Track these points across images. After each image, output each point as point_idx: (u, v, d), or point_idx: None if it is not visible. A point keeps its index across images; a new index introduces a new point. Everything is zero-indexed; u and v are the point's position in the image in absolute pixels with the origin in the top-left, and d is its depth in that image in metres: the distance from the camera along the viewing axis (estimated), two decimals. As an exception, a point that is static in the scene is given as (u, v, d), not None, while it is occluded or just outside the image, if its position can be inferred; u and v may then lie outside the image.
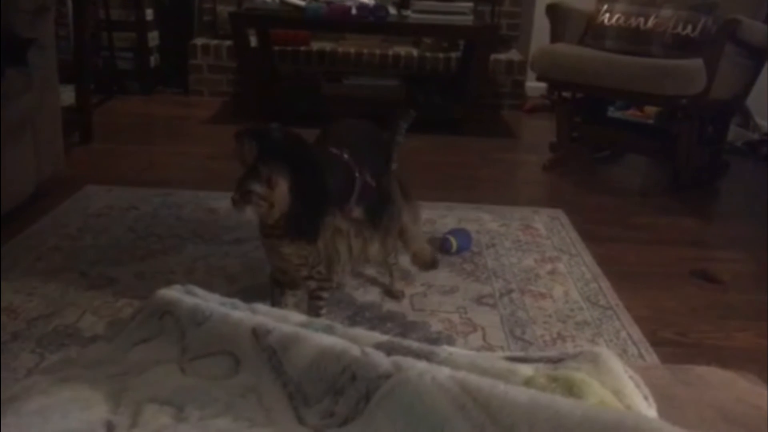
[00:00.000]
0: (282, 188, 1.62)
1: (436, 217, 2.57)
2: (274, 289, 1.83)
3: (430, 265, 2.07)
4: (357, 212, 1.92)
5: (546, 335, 1.86)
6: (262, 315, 0.81)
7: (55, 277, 2.02)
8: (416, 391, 0.65)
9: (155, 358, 0.79)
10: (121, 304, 1.89)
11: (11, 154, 2.37)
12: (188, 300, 0.83)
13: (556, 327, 1.90)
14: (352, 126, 2.18)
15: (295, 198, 1.63)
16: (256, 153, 1.71)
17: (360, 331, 0.77)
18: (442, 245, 2.29)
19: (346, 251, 1.79)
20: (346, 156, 1.93)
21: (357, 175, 1.93)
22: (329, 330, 0.77)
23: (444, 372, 0.66)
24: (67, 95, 3.25)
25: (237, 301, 0.86)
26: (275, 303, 1.82)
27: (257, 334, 0.77)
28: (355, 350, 0.71)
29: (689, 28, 3.07)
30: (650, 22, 3.17)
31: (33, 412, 0.70)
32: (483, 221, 2.62)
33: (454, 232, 2.36)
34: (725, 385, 0.87)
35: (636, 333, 1.88)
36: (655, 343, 1.84)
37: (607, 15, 3.31)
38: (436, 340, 1.79)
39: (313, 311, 1.76)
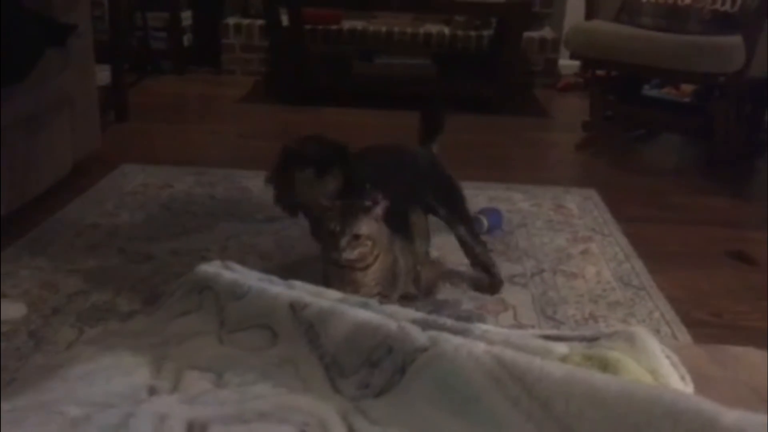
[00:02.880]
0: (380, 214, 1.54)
1: (467, 197, 2.56)
2: None
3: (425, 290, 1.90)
4: None
5: (578, 315, 1.85)
6: (299, 290, 0.83)
7: (93, 253, 2.07)
8: (452, 364, 0.66)
9: (195, 329, 0.81)
10: (157, 280, 1.92)
11: (50, 133, 2.42)
12: (227, 275, 0.85)
13: (588, 307, 1.89)
14: (386, 155, 1.97)
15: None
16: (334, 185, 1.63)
17: (395, 308, 0.78)
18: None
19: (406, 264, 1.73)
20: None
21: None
22: (365, 306, 0.78)
23: (480, 346, 0.66)
24: (103, 75, 3.29)
25: (274, 278, 0.88)
26: None
27: (294, 308, 0.78)
28: (391, 324, 0.72)
29: (728, 3, 3.00)
30: (688, -2, 3.11)
31: (78, 377, 0.73)
32: (514, 200, 2.61)
33: (485, 211, 2.35)
34: (761, 366, 0.86)
35: (669, 313, 1.87)
36: (689, 323, 1.82)
37: (644, -9, 3.24)
38: (467, 319, 1.79)
39: None
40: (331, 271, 1.59)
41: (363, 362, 0.71)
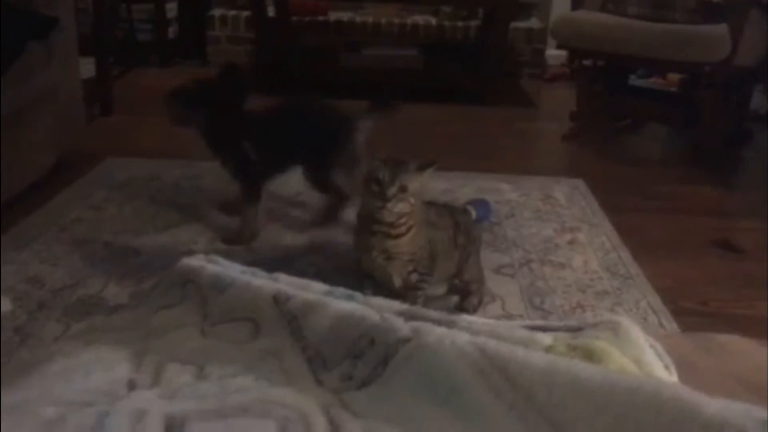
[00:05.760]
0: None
1: (455, 188, 2.57)
2: (364, 281, 1.70)
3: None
4: None
5: (565, 305, 1.86)
6: (283, 283, 0.82)
7: (79, 248, 2.05)
8: (435, 355, 0.66)
9: (177, 322, 0.80)
10: (144, 273, 1.91)
11: (33, 127, 2.40)
12: (210, 268, 0.84)
13: (576, 297, 1.90)
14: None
15: None
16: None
17: (380, 300, 0.78)
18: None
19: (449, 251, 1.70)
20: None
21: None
22: (350, 298, 0.78)
23: (463, 337, 0.66)
24: (88, 68, 3.27)
25: (258, 270, 0.87)
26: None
27: (278, 300, 0.78)
28: (374, 316, 0.72)
29: (714, -7, 3.01)
30: (674, -13, 3.11)
31: (56, 374, 0.72)
32: (502, 191, 2.61)
33: (473, 202, 2.35)
34: (746, 353, 0.86)
35: (656, 302, 1.88)
36: (676, 312, 1.84)
37: (630, -20, 3.24)
38: (468, 310, 1.79)
39: (411, 300, 1.64)
40: (364, 239, 1.61)
41: (346, 354, 0.71)
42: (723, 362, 0.83)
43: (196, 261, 0.87)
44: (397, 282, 1.67)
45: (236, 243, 2.11)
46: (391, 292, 1.65)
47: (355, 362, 0.70)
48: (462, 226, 1.75)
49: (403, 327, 0.70)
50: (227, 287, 0.81)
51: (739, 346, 0.89)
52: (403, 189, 1.50)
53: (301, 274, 1.88)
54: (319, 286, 0.83)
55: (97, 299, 1.78)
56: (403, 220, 1.56)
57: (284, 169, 2.21)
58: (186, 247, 2.07)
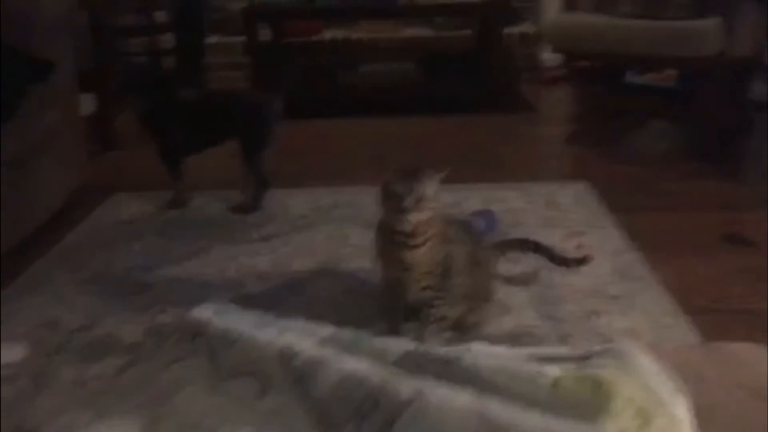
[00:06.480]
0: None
1: (460, 199, 2.57)
2: (395, 315, 1.67)
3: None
4: None
5: (578, 311, 1.85)
6: (291, 332, 0.83)
7: (91, 287, 2.06)
8: (435, 420, 0.66)
9: (187, 378, 0.81)
10: (157, 308, 1.91)
11: (39, 169, 2.42)
12: (219, 322, 0.85)
13: (588, 303, 1.89)
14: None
15: None
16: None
17: (388, 342, 0.78)
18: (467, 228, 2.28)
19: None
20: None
21: None
22: (357, 341, 0.79)
23: (463, 398, 0.66)
24: (89, 104, 3.30)
25: (268, 316, 0.88)
26: (396, 331, 1.59)
27: (284, 357, 0.78)
28: (376, 377, 0.73)
29: (706, -13, 3.01)
30: (664, -16, 3.12)
31: None
32: (508, 200, 2.61)
33: (478, 213, 2.35)
34: (756, 361, 0.86)
35: (670, 303, 1.86)
36: (690, 311, 1.82)
37: (620, -21, 3.25)
38: (467, 327, 1.79)
39: (425, 320, 1.63)
40: (387, 252, 1.60)
41: (352, 414, 0.72)
42: (733, 372, 0.83)
43: (204, 312, 0.88)
44: (411, 296, 1.66)
45: (174, 207, 2.66)
46: (404, 308, 1.66)
47: (360, 424, 0.71)
48: (479, 243, 1.75)
49: (405, 387, 0.71)
50: (235, 342, 0.82)
51: (748, 355, 0.89)
52: (420, 198, 1.50)
53: (313, 299, 1.90)
54: (324, 331, 0.84)
55: (113, 338, 1.78)
56: (421, 230, 1.56)
57: (204, 148, 2.69)
58: (197, 280, 2.08)
